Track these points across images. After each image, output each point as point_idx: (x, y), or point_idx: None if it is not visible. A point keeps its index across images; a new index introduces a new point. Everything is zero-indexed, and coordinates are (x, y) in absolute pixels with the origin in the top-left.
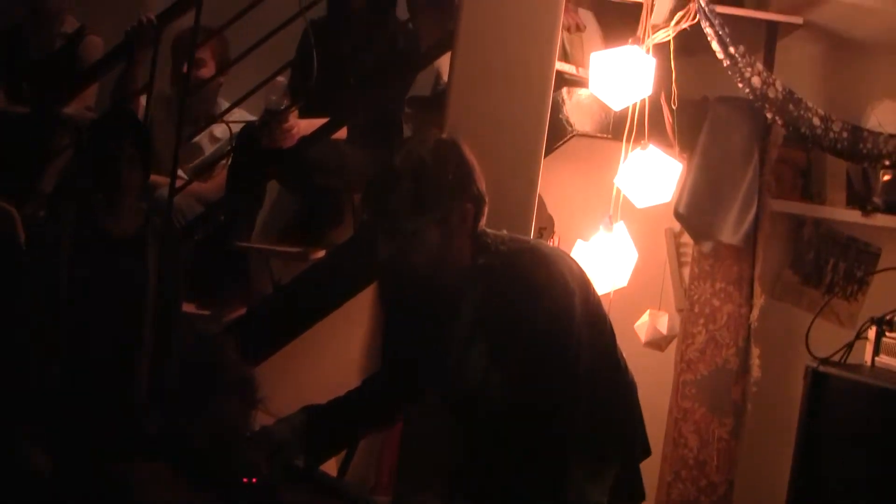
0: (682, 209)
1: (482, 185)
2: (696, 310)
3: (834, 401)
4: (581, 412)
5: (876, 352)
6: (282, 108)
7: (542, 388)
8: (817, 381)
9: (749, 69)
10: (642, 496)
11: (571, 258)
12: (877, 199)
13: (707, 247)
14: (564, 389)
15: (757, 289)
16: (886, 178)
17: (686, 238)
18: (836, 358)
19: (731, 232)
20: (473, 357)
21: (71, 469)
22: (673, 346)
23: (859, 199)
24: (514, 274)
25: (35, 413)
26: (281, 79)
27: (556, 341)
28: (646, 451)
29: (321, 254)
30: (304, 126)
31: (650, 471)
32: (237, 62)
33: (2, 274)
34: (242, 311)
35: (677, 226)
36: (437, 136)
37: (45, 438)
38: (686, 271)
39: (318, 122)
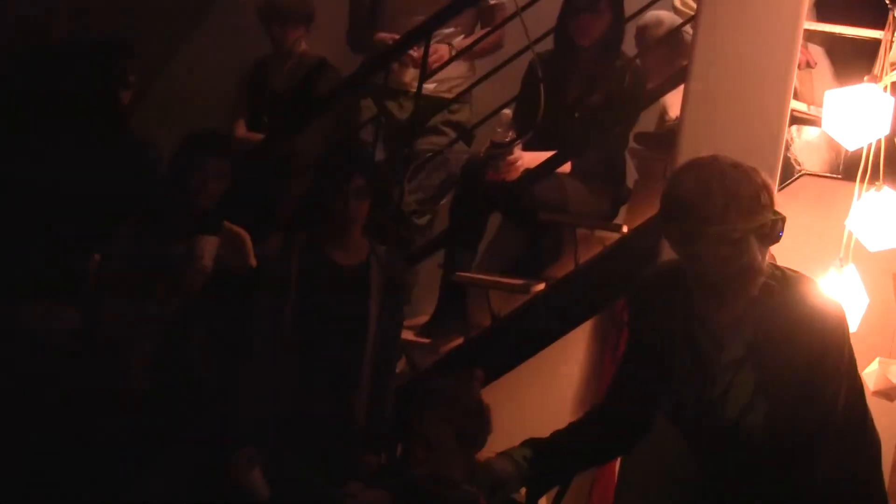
0: None
1: None
2: None
3: None
4: (838, 454)
5: None
6: (507, 140)
7: (807, 417)
8: None
9: None
10: None
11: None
12: None
13: None
14: (826, 425)
15: None
16: None
17: None
18: None
19: None
20: (740, 383)
21: (291, 493)
22: None
23: None
24: (793, 299)
25: (257, 439)
26: (507, 111)
27: (830, 372)
28: None
29: (541, 287)
30: (528, 159)
31: None
32: (466, 92)
33: (231, 298)
34: (460, 341)
35: None
36: None
37: (266, 463)
38: None
39: (542, 156)
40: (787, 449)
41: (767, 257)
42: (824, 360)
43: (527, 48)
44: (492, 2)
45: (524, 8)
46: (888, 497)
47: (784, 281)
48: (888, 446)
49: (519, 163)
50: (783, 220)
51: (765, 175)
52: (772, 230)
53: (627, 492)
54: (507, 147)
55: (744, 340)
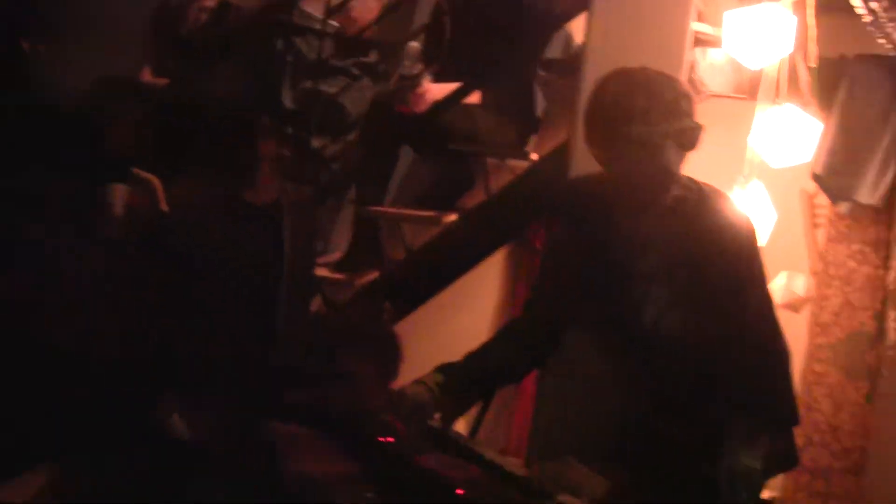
0: (819, 170)
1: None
2: (832, 272)
3: None
4: (750, 362)
5: None
6: (415, 73)
7: (723, 324)
8: None
9: (891, 24)
10: (796, 462)
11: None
12: None
13: (844, 208)
14: (743, 329)
15: (894, 250)
16: None
17: (821, 199)
18: None
19: (868, 192)
20: (656, 291)
21: (213, 432)
22: (806, 308)
23: None
24: (710, 210)
25: (175, 380)
26: (414, 44)
27: (742, 283)
28: (795, 419)
29: (453, 218)
30: (436, 91)
31: None
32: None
33: (144, 243)
34: (375, 275)
35: (811, 186)
36: None
37: (186, 405)
38: (821, 233)
39: (451, 87)
40: (702, 358)
41: None
42: (737, 271)
43: None
44: None
45: None
46: (797, 405)
47: (698, 193)
48: (794, 358)
49: (427, 94)
50: (701, 128)
51: (687, 86)
52: (690, 137)
53: (545, 416)
54: (415, 79)
55: (659, 251)
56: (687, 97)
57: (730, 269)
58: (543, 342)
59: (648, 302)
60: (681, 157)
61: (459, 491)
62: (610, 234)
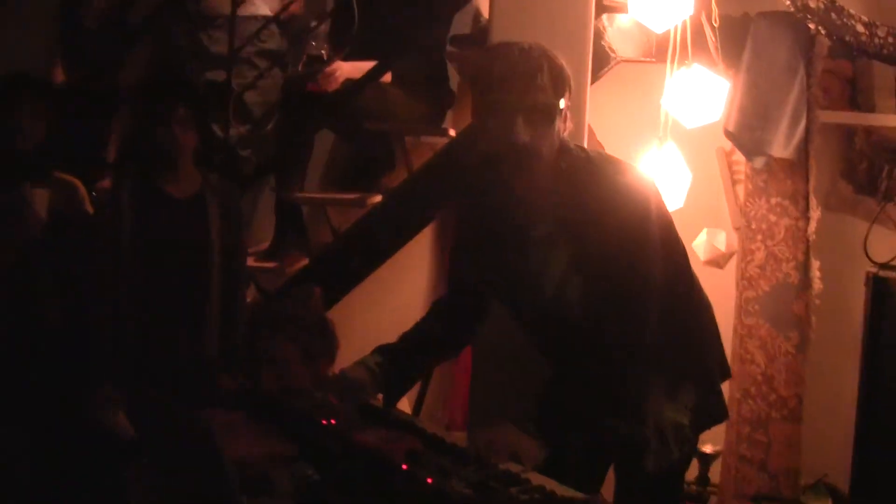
0: (731, 127)
1: None
2: (753, 226)
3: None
4: (660, 324)
5: None
6: (323, 53)
7: (624, 290)
8: (879, 286)
9: None
10: (725, 415)
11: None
12: None
13: (759, 163)
14: (646, 294)
15: (812, 201)
16: None
17: (738, 156)
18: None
19: (782, 146)
20: (557, 257)
21: (149, 422)
22: (733, 264)
23: None
24: (598, 176)
25: (110, 375)
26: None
27: (640, 243)
28: (725, 373)
29: (377, 199)
30: (348, 69)
31: None
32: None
33: (71, 245)
34: (304, 262)
35: (728, 145)
36: None
37: (122, 398)
38: (740, 189)
39: (363, 65)
40: (608, 322)
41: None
42: (634, 232)
43: None
44: None
45: None
46: (726, 359)
47: (590, 158)
48: (722, 311)
49: (338, 73)
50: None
51: (562, 59)
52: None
53: (481, 387)
54: (327, 63)
55: (555, 216)
56: (564, 67)
57: (626, 230)
58: (469, 316)
59: (550, 268)
60: (567, 124)
61: (403, 466)
62: (509, 204)
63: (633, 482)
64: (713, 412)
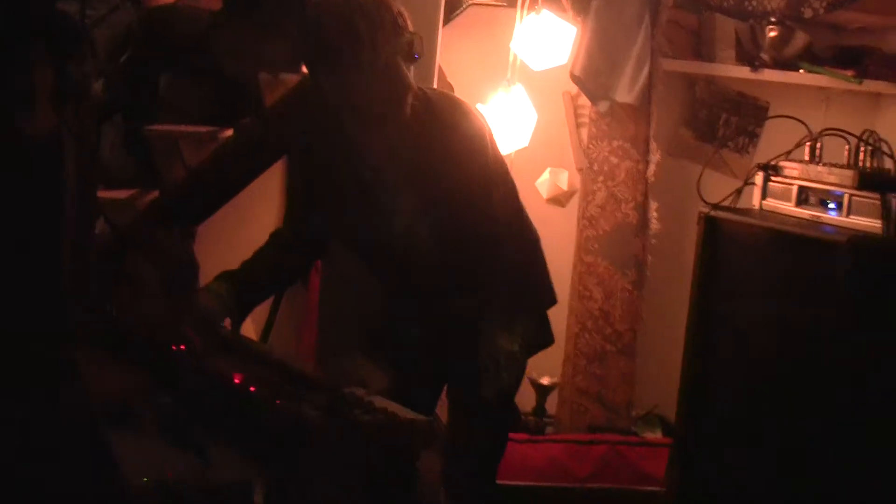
0: (577, 71)
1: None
2: (596, 168)
3: (726, 242)
4: (497, 252)
5: (763, 195)
6: None
7: (467, 223)
8: (710, 226)
9: None
10: (551, 341)
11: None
12: (764, 56)
13: (603, 106)
14: (486, 224)
15: (653, 145)
16: (773, 34)
17: (584, 100)
18: (727, 204)
19: (625, 91)
20: (401, 199)
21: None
22: (575, 203)
23: (748, 56)
24: (438, 114)
25: None
26: None
27: (479, 175)
28: (552, 300)
29: (230, 133)
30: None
31: (558, 323)
32: None
33: None
34: (155, 193)
35: (574, 89)
36: None
37: None
38: (584, 132)
39: None
40: (454, 254)
41: (448, 88)
42: (474, 168)
43: None
44: None
45: None
46: (552, 287)
47: (428, 100)
48: (566, 250)
49: None
50: (420, 38)
51: (397, 4)
52: (410, 49)
53: (327, 319)
54: None
55: (401, 162)
56: (401, 13)
57: (466, 167)
58: (306, 249)
59: (396, 210)
60: (408, 67)
61: (251, 389)
62: (352, 150)
63: (467, 405)
64: (541, 338)
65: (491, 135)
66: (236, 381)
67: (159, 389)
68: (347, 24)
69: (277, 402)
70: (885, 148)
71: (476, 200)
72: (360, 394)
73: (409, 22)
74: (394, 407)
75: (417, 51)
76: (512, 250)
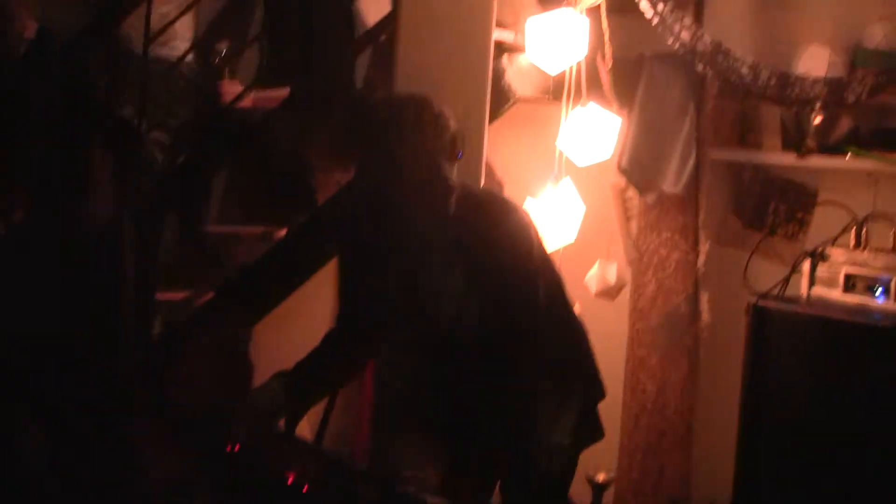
0: (624, 163)
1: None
2: (645, 260)
3: (776, 332)
4: (543, 347)
5: (811, 283)
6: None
7: (511, 319)
8: (758, 315)
9: (677, 25)
10: (601, 434)
11: (522, 207)
12: (810, 142)
13: (651, 198)
14: (530, 320)
15: (702, 236)
16: (817, 120)
17: (632, 192)
18: (775, 292)
19: (672, 182)
20: (447, 296)
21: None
22: (626, 297)
23: (794, 142)
24: (483, 211)
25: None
26: (220, 45)
27: (522, 270)
28: (602, 393)
29: (283, 233)
30: (261, 97)
31: (612, 418)
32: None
33: None
34: (211, 294)
35: (623, 181)
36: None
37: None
38: (633, 224)
39: (274, 93)
40: (505, 351)
41: (497, 184)
42: (518, 263)
43: None
44: None
45: None
46: (602, 380)
47: (473, 196)
48: (618, 344)
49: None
50: (462, 136)
51: (439, 104)
52: (453, 147)
53: (381, 409)
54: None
55: (446, 259)
56: (443, 113)
57: (510, 262)
58: (360, 346)
59: (441, 300)
60: (450, 167)
61: (304, 489)
62: (396, 244)
63: (520, 499)
64: (591, 432)
65: (536, 231)
66: (289, 480)
67: (211, 487)
68: (391, 121)
69: (329, 501)
70: None
71: (520, 295)
72: (413, 490)
73: (451, 121)
74: (442, 502)
75: (460, 149)
76: (559, 345)
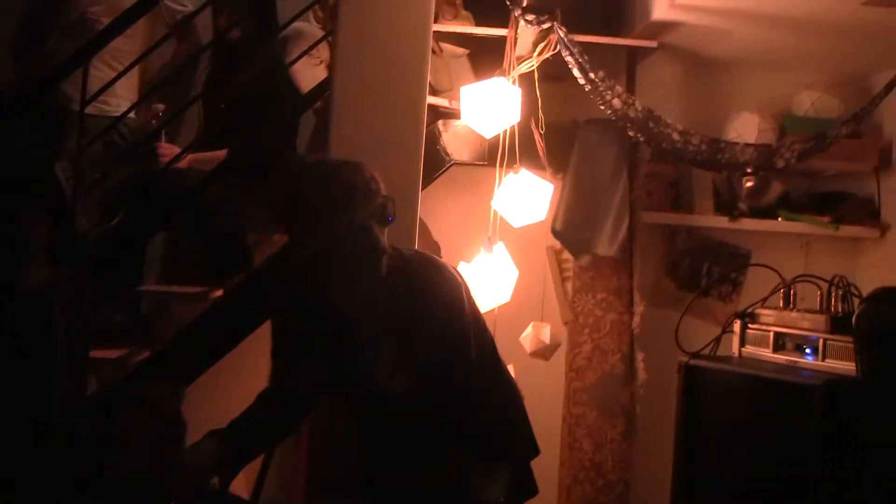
0: (558, 226)
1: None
2: (581, 321)
3: (707, 389)
4: (475, 406)
5: (742, 343)
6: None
7: (443, 380)
8: (690, 374)
9: (609, 92)
10: (535, 491)
11: (453, 268)
12: (742, 205)
13: (585, 260)
14: (463, 380)
15: (637, 297)
16: (749, 184)
17: (567, 254)
18: (707, 352)
19: (606, 245)
20: (379, 359)
21: None
22: (562, 356)
23: (726, 206)
24: (414, 274)
25: None
26: (158, 105)
27: (455, 332)
28: (535, 450)
29: (220, 293)
30: (197, 158)
31: (549, 476)
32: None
33: None
34: (146, 354)
35: (558, 244)
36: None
37: None
38: (569, 285)
39: (211, 155)
40: (438, 410)
41: (433, 246)
42: (450, 325)
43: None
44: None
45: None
46: (535, 438)
47: (403, 260)
48: (554, 403)
49: (164, 159)
50: (393, 201)
51: (370, 169)
52: (384, 212)
53: (315, 468)
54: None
55: (378, 319)
56: (374, 178)
57: (442, 323)
58: (293, 406)
59: (375, 364)
60: (382, 230)
61: None
62: (329, 308)
63: None
64: (526, 489)
65: (468, 291)
66: None
67: None
68: (321, 187)
69: None
70: (854, 290)
71: (453, 355)
72: None
73: (381, 186)
74: None
75: (391, 213)
76: (491, 403)
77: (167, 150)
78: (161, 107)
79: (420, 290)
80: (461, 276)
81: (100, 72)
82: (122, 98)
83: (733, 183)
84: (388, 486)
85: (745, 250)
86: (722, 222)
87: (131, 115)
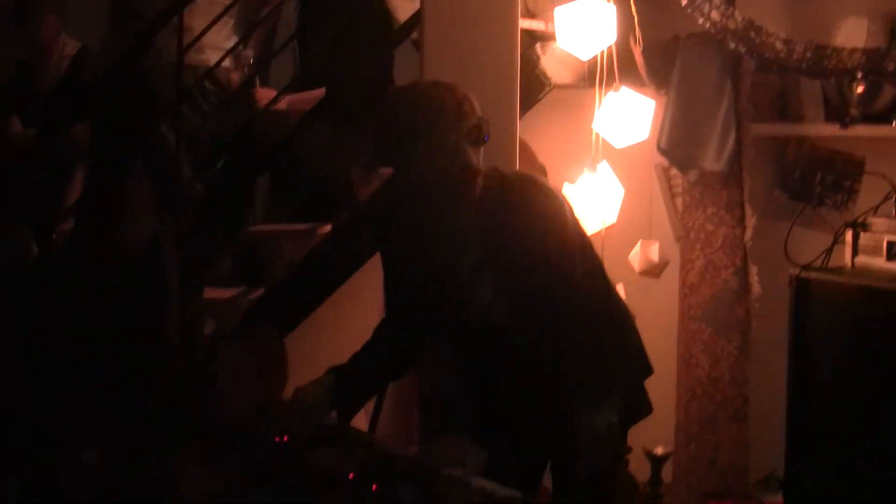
0: (663, 144)
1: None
2: (692, 236)
3: (819, 302)
4: (583, 331)
5: (854, 252)
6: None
7: (548, 303)
8: (801, 286)
9: (707, 4)
10: (649, 410)
11: (556, 187)
12: (853, 111)
13: (693, 176)
14: (569, 303)
15: (748, 210)
16: (860, 89)
17: (675, 171)
18: (818, 263)
19: (713, 159)
20: (481, 285)
21: (117, 463)
22: (675, 273)
23: (837, 113)
24: (514, 196)
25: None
26: (247, 52)
27: (556, 248)
28: (648, 370)
29: (327, 229)
30: (295, 98)
31: (665, 394)
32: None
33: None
34: (259, 292)
35: (665, 161)
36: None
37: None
38: (679, 202)
39: (309, 95)
40: (544, 335)
41: (540, 169)
42: (551, 241)
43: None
44: None
45: None
46: (648, 357)
47: (504, 179)
48: (670, 321)
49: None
50: (486, 122)
51: (464, 90)
52: (478, 133)
53: (427, 405)
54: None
55: (477, 243)
56: (467, 99)
57: (542, 246)
58: (410, 340)
59: (476, 291)
60: (476, 152)
61: (350, 476)
62: (427, 230)
63: (570, 481)
64: (638, 409)
65: (572, 212)
66: (336, 469)
67: (254, 485)
68: (411, 112)
69: (374, 486)
70: None
71: (556, 277)
72: (457, 474)
73: (475, 106)
74: (490, 485)
75: (486, 133)
76: (600, 324)
77: (264, 94)
78: (251, 52)
79: (519, 211)
80: (564, 197)
81: (196, 23)
82: (215, 49)
83: (843, 89)
84: (499, 412)
85: (859, 157)
86: (833, 130)
87: (225, 62)
